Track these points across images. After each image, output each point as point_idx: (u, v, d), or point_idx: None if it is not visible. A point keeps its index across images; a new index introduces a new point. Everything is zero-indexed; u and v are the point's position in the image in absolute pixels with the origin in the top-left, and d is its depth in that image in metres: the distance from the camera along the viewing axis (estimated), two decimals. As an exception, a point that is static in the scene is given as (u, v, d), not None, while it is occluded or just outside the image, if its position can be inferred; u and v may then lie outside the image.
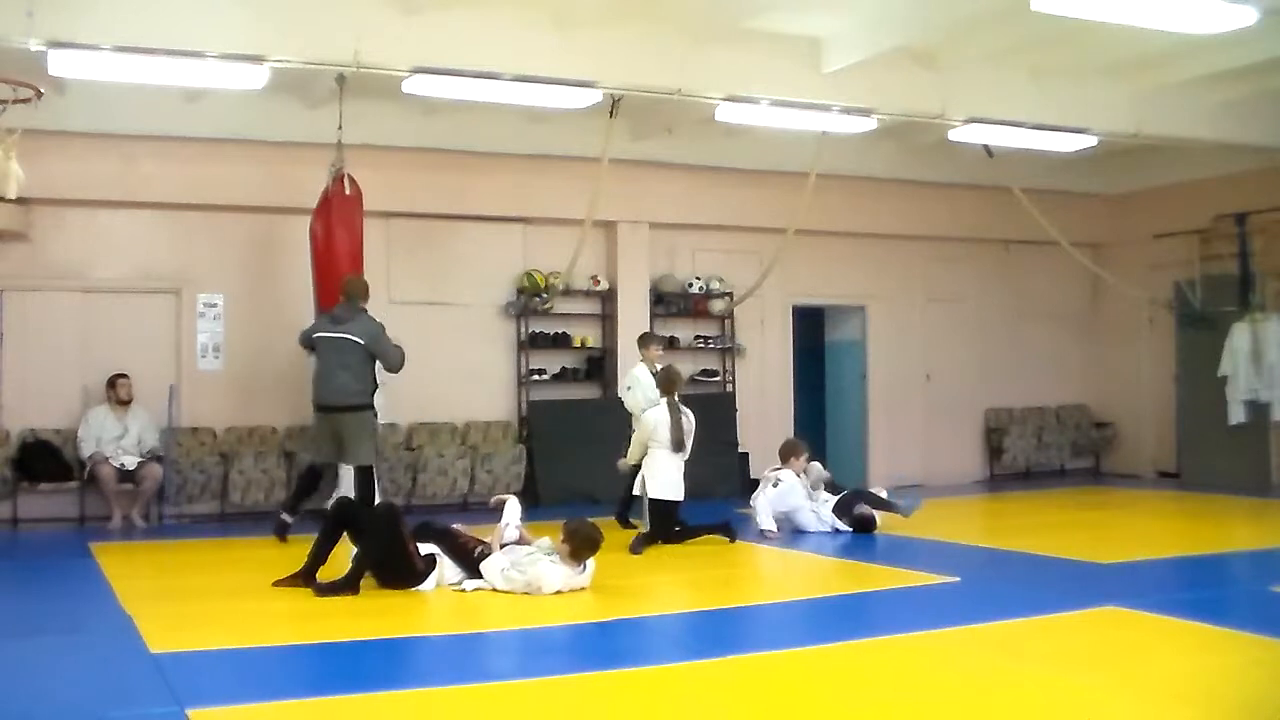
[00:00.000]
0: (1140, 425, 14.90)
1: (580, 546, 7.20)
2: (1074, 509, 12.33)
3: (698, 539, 9.27)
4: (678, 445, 9.19)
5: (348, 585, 7.05)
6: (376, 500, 9.27)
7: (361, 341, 9.24)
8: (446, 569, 7.28)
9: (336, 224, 9.86)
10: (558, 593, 7.07)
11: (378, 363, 9.39)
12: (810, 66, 10.16)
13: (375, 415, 9.52)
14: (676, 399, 9.29)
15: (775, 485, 9.95)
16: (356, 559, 7.18)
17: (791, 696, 5.06)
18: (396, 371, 9.62)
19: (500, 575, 7.10)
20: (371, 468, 9.44)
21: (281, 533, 9.19)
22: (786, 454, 10.18)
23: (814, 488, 10.21)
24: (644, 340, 10.56)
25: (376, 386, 9.47)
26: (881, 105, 10.57)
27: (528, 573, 7.07)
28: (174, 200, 11.05)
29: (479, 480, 11.65)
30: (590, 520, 7.40)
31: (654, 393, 9.71)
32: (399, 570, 7.17)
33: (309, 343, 9.41)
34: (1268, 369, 12.98)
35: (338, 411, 9.26)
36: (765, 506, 9.86)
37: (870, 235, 13.93)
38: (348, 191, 9.80)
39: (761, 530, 9.73)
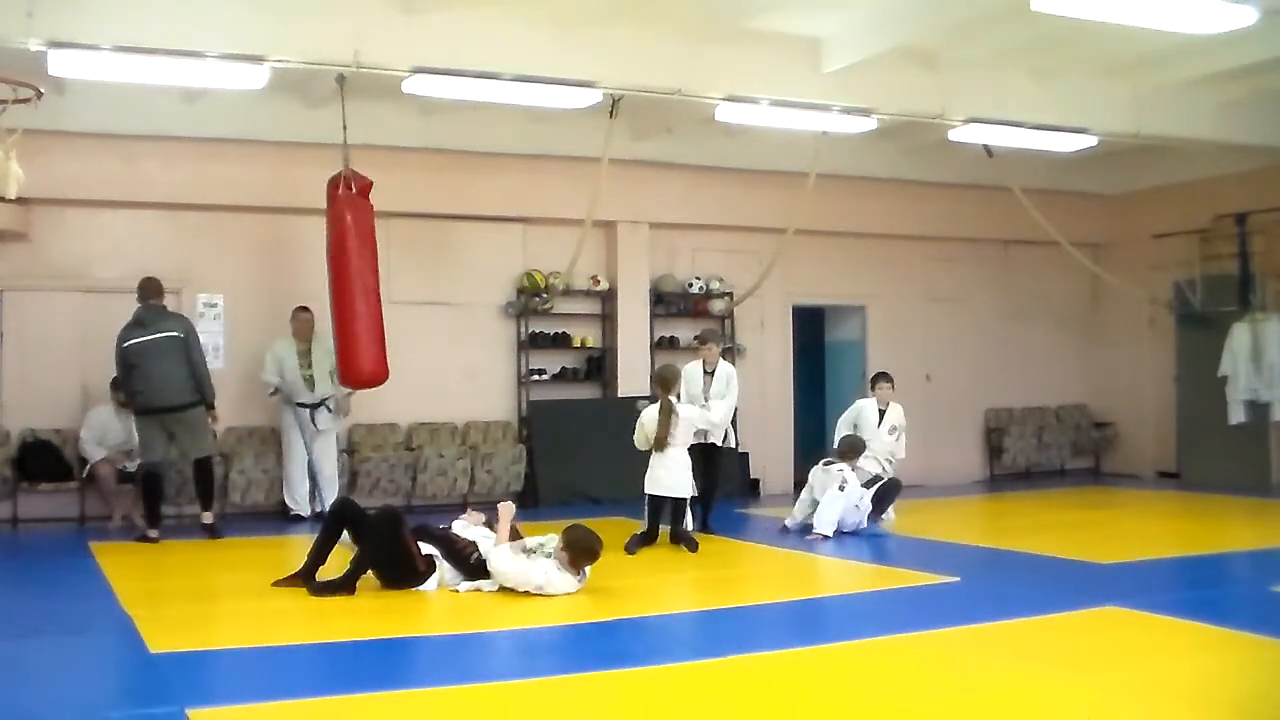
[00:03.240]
0: (1140, 425, 14.90)
1: (579, 555, 7.18)
2: (1074, 509, 12.33)
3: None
4: (659, 443, 9.15)
5: (344, 586, 7.04)
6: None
7: (181, 335, 9.52)
8: (446, 570, 7.28)
9: (353, 224, 9.83)
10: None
11: None
12: (810, 66, 10.16)
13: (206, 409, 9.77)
14: (671, 398, 9.25)
15: (842, 488, 9.85)
16: (356, 560, 7.18)
17: (792, 696, 5.06)
18: (204, 372, 9.69)
19: (510, 562, 7.04)
20: (211, 457, 9.83)
21: (146, 540, 9.40)
22: (850, 453, 10.18)
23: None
24: (719, 338, 10.33)
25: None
26: (881, 105, 10.57)
27: (538, 564, 7.06)
28: (174, 200, 11.05)
29: (479, 480, 11.65)
30: (590, 529, 7.36)
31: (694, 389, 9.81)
32: (401, 572, 7.17)
33: (119, 357, 9.45)
34: (1268, 369, 12.97)
35: (175, 411, 9.47)
36: (836, 512, 9.75)
37: (870, 235, 13.93)
38: (354, 192, 9.78)
39: (824, 536, 9.63)
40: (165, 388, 9.41)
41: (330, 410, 10.95)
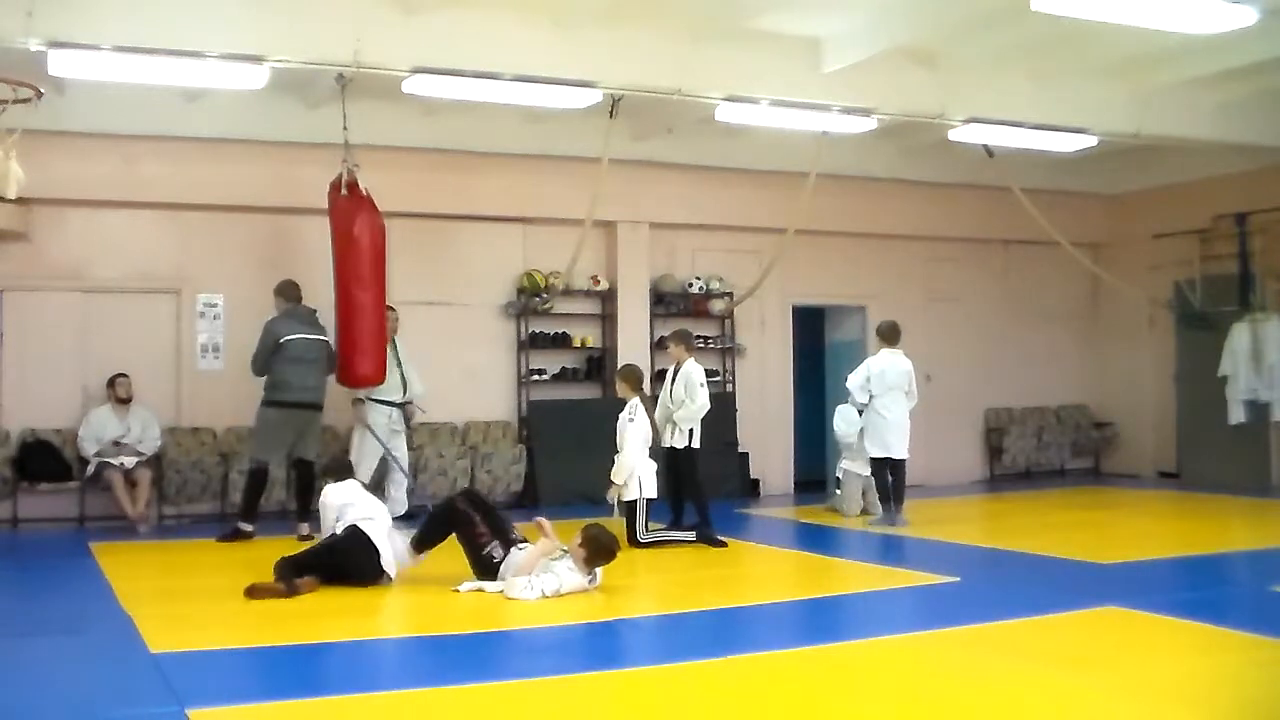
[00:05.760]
0: (1140, 425, 14.90)
1: (596, 554, 7.16)
2: (1074, 509, 12.34)
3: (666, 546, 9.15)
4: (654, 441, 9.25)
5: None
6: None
7: (329, 341, 9.81)
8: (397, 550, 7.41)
9: (369, 222, 9.86)
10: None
11: None
12: (810, 66, 10.16)
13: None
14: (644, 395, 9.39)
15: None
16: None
17: (791, 697, 5.06)
18: (332, 372, 10.00)
19: (525, 591, 6.93)
20: (314, 464, 9.85)
21: (234, 538, 9.44)
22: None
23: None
24: (685, 338, 10.10)
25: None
26: (881, 105, 10.57)
27: (547, 576, 7.02)
28: (174, 200, 11.05)
29: (479, 480, 11.64)
30: (608, 529, 7.36)
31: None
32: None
33: (274, 349, 9.57)
34: (1268, 369, 12.98)
35: (310, 409, 9.70)
36: None
37: (870, 235, 13.93)
38: (363, 192, 9.80)
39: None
40: (314, 386, 9.68)
41: (419, 411, 11.05)
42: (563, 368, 12.66)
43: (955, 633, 6.18)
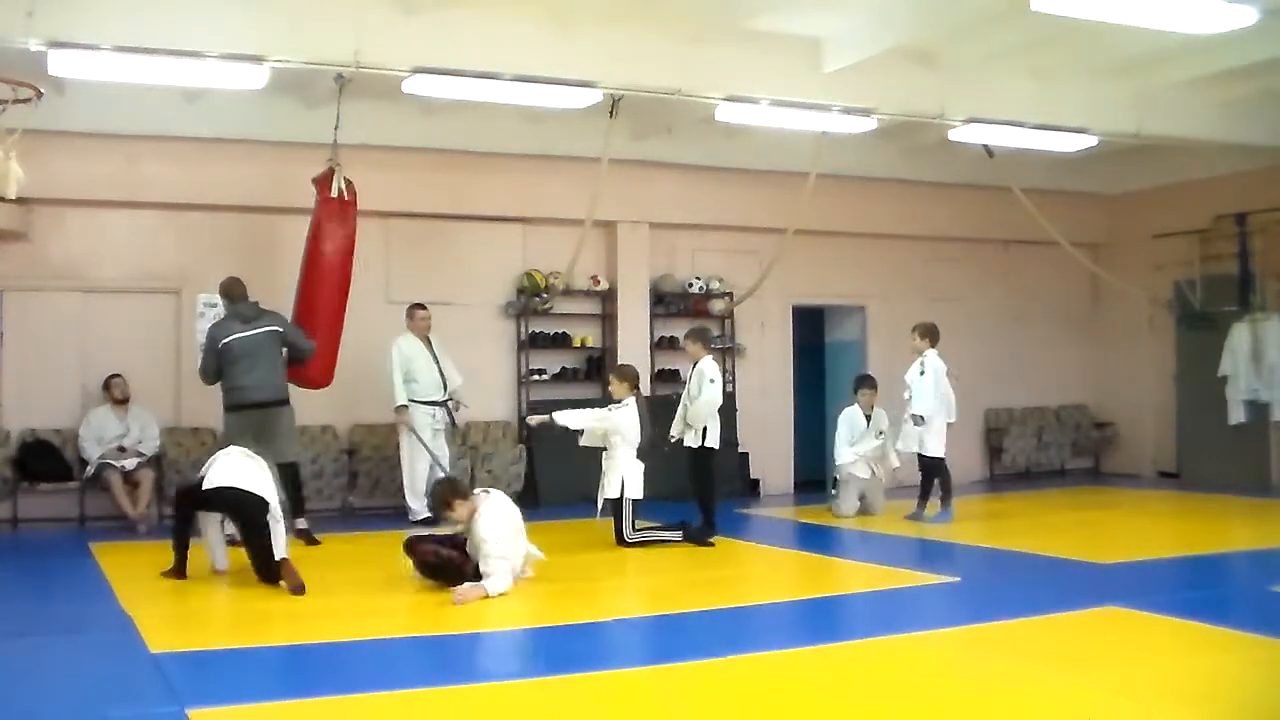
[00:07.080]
0: (1140, 425, 14.89)
1: (454, 496, 7.31)
2: (1074, 509, 12.33)
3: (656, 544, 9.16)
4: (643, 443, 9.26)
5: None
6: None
7: (282, 330, 9.51)
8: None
9: (334, 224, 9.86)
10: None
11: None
12: (810, 66, 10.16)
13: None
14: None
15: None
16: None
17: (791, 697, 5.06)
18: (306, 361, 9.74)
19: (486, 589, 7.00)
20: (298, 464, 9.62)
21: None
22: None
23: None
24: (700, 335, 10.08)
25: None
26: (881, 105, 10.57)
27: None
28: (174, 200, 11.05)
29: (479, 480, 11.62)
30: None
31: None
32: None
33: (217, 354, 9.37)
34: (1268, 369, 12.97)
35: (270, 407, 9.41)
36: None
37: (870, 235, 13.92)
38: (344, 193, 9.79)
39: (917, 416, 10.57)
40: (263, 384, 9.36)
41: (462, 405, 11.02)
42: (563, 368, 12.65)
43: (955, 633, 6.19)
